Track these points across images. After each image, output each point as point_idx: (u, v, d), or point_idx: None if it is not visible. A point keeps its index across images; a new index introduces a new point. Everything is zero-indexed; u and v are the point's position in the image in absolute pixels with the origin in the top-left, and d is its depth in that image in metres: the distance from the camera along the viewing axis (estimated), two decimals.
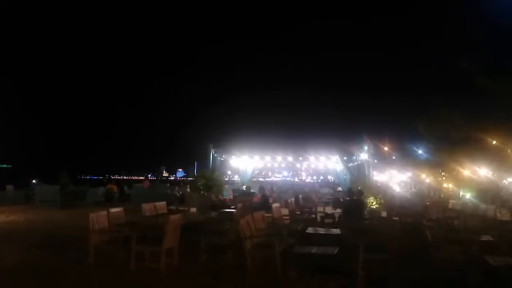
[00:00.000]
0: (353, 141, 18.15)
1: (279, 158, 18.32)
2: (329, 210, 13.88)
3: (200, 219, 9.24)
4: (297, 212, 11.74)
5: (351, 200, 10.59)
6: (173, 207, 11.57)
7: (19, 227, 10.54)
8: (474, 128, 13.83)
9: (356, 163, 17.84)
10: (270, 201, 12.31)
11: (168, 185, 24.52)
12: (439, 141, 16.72)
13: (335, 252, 5.92)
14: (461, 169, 16.06)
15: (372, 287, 5.43)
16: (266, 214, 8.31)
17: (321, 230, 7.78)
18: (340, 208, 12.44)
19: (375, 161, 19.92)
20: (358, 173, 17.26)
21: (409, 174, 27.33)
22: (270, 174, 61.80)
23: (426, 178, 23.44)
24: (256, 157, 18.30)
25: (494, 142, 13.38)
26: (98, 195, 18.79)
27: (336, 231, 7.52)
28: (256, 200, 12.76)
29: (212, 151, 17.90)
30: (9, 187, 19.15)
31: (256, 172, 20.69)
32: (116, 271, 6.02)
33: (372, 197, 13.58)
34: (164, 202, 10.22)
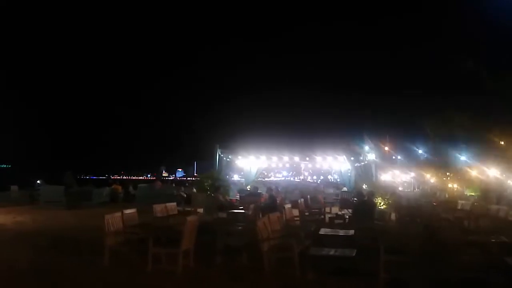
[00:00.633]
0: (356, 141, 18.10)
1: (285, 158, 18.25)
2: (335, 210, 13.88)
3: (208, 220, 9.16)
4: (306, 213, 11.69)
5: (361, 201, 10.57)
6: (179, 208, 11.49)
7: (27, 228, 10.48)
8: (481, 128, 13.84)
9: (363, 163, 17.79)
10: (277, 201, 12.24)
11: (174, 185, 24.39)
12: (445, 141, 16.74)
13: (353, 254, 5.89)
14: (468, 169, 16.06)
15: None
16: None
17: (335, 232, 7.76)
18: (348, 209, 12.43)
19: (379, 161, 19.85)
20: (365, 174, 17.21)
21: (412, 174, 27.37)
22: (270, 174, 61.64)
23: (431, 178, 23.43)
24: (263, 157, 18.23)
25: (502, 142, 13.38)
26: (103, 196, 18.72)
27: (350, 232, 7.49)
28: (263, 200, 12.68)
29: (218, 152, 17.83)
30: (14, 188, 19.13)
31: (260, 173, 20.63)
32: (132, 273, 5.99)
33: (380, 198, 13.52)
34: (175, 203, 10.16)
